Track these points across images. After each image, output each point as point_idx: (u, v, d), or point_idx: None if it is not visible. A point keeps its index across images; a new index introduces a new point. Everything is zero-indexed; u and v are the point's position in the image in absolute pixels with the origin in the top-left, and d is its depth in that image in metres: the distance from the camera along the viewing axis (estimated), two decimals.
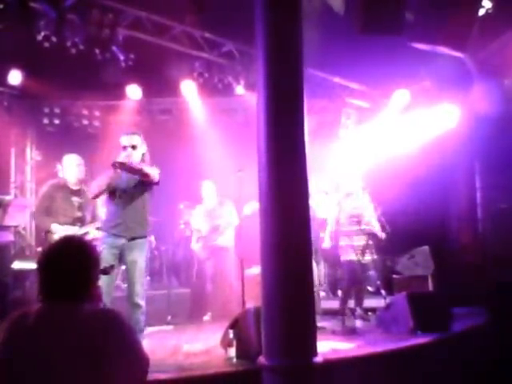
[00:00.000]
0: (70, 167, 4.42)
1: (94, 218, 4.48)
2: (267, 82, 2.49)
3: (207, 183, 6.19)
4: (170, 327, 5.31)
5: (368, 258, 5.15)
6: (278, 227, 2.39)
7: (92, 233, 4.53)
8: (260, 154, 2.47)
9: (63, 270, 1.63)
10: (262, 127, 2.48)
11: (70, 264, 1.65)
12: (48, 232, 4.22)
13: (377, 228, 5.25)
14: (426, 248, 6.14)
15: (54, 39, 5.32)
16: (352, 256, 5.06)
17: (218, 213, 5.99)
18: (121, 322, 1.63)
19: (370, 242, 5.18)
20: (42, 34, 5.24)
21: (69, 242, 1.74)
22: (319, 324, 3.72)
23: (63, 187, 4.39)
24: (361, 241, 5.13)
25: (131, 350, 1.64)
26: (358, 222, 5.21)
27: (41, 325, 1.53)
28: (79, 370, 1.47)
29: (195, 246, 6.08)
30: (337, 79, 7.12)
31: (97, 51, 5.60)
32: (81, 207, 4.38)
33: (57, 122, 7.06)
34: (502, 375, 4.55)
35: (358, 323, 4.98)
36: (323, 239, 5.50)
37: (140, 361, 1.68)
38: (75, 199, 4.37)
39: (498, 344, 4.79)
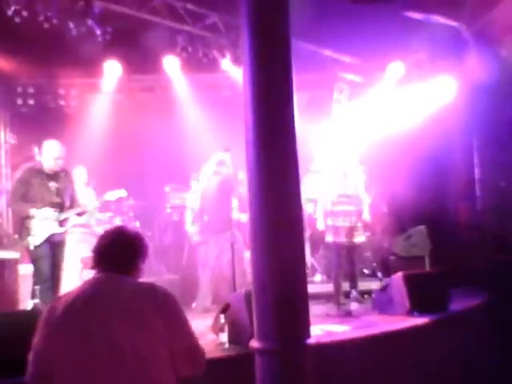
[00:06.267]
0: (49, 160, 4.21)
1: (73, 204, 4.34)
2: (253, 54, 2.37)
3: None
4: None
5: (358, 239, 5.05)
6: (268, 205, 2.29)
7: (72, 219, 4.42)
8: (247, 131, 2.37)
9: (116, 258, 1.92)
10: (249, 102, 2.36)
11: (122, 253, 1.93)
12: (27, 217, 4.09)
13: (365, 210, 5.14)
14: (422, 228, 6.06)
15: (25, 14, 5.12)
16: (340, 237, 4.93)
17: None
18: (169, 296, 1.86)
19: (359, 223, 5.05)
20: (13, 8, 5.05)
21: (121, 234, 1.99)
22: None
23: (39, 172, 4.22)
24: (349, 222, 4.99)
25: (178, 325, 1.84)
26: (348, 202, 5.07)
27: (97, 287, 1.83)
28: (126, 329, 1.70)
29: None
30: (328, 52, 6.86)
31: (71, 25, 5.40)
32: (59, 192, 4.25)
33: (31, 102, 6.81)
34: (502, 355, 4.49)
35: (354, 306, 4.88)
36: (316, 220, 5.30)
37: (189, 340, 1.87)
38: (52, 184, 4.23)
39: (497, 323, 4.71)
